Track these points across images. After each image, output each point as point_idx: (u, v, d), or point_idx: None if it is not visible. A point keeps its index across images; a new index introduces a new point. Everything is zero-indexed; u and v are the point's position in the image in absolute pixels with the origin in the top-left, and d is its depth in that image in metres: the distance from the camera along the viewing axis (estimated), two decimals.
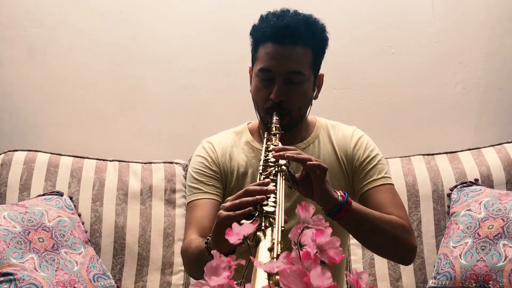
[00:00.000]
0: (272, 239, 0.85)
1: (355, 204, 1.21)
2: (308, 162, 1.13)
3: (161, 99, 2.30)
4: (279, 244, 0.81)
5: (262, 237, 0.88)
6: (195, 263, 1.24)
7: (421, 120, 2.31)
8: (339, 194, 1.19)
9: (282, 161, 1.14)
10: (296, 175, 1.17)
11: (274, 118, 1.32)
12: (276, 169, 1.12)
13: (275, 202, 0.98)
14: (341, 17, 2.28)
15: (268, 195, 1.00)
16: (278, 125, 1.31)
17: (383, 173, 1.41)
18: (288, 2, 2.16)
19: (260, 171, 1.15)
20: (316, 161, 1.15)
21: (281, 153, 1.14)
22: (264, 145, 1.27)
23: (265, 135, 1.32)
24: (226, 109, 2.29)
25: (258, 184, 1.06)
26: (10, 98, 2.27)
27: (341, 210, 1.18)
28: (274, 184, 1.06)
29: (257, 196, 0.99)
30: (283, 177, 1.09)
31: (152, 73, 2.30)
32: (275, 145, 1.24)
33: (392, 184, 1.42)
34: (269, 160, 1.17)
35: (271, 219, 0.93)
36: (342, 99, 2.30)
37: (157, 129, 2.30)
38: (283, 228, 0.88)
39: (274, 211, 0.94)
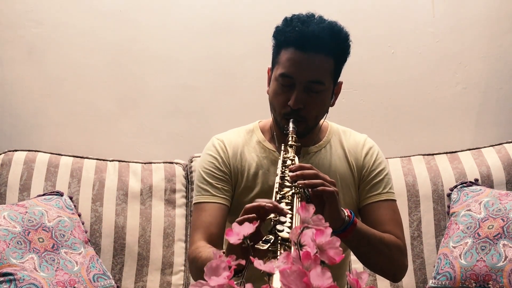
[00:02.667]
0: None
1: (359, 224, 1.24)
2: (316, 189, 1.12)
3: (161, 99, 2.30)
4: None
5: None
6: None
7: (421, 120, 2.30)
8: (346, 213, 1.20)
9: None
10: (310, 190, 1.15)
11: (290, 127, 1.31)
12: (293, 190, 1.11)
13: (290, 227, 0.95)
14: (341, 17, 2.24)
15: (281, 216, 0.98)
16: (294, 135, 1.30)
17: (388, 188, 1.44)
18: (289, 1, 2.18)
19: (276, 189, 1.13)
20: (329, 182, 1.14)
21: (298, 173, 1.13)
22: (281, 158, 1.25)
23: (282, 147, 1.30)
24: (226, 109, 2.29)
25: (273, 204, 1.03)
26: (10, 98, 2.27)
27: (346, 230, 1.19)
28: (290, 207, 1.05)
29: (263, 204, 0.97)
30: (299, 199, 1.08)
31: (152, 73, 2.30)
32: (291, 159, 1.24)
33: (395, 200, 1.45)
34: (285, 178, 1.16)
35: (286, 246, 0.91)
36: (342, 99, 2.28)
37: (157, 129, 2.30)
38: None
39: (289, 238, 0.92)
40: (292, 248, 0.80)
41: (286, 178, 1.16)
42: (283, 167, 1.21)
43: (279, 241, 0.91)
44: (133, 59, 2.30)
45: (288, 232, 0.93)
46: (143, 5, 2.29)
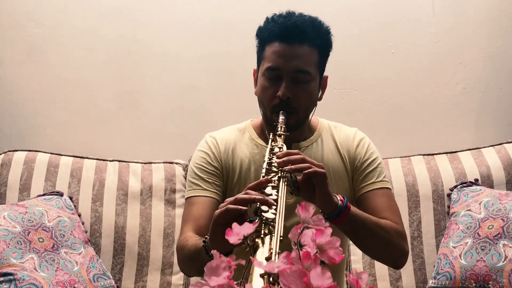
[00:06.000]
0: (270, 249, 0.84)
1: (353, 209, 1.24)
2: (307, 170, 1.13)
3: (161, 99, 2.30)
4: (277, 254, 0.79)
5: (260, 244, 0.87)
6: (191, 261, 1.25)
7: (421, 120, 2.30)
8: (338, 198, 1.21)
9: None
10: (298, 177, 1.16)
11: (280, 118, 1.32)
12: (279, 174, 1.12)
13: (275, 209, 0.97)
14: (341, 17, 2.28)
15: (267, 200, 0.99)
16: (284, 125, 1.31)
17: (382, 176, 1.44)
18: (288, 2, 2.18)
19: (263, 174, 1.15)
20: (317, 166, 1.15)
21: (284, 159, 1.14)
22: (269, 146, 1.27)
23: (270, 136, 1.32)
24: (226, 109, 2.29)
25: (258, 184, 1.07)
26: (10, 98, 2.27)
27: (340, 214, 1.20)
28: (276, 190, 1.06)
29: (255, 196, 1.00)
30: (285, 183, 1.09)
31: (152, 72, 2.30)
32: (279, 147, 1.24)
33: (390, 189, 1.45)
34: (272, 164, 1.17)
35: (270, 226, 0.92)
36: (342, 99, 2.30)
37: (157, 129, 2.30)
38: (281, 238, 0.87)
39: (274, 219, 0.93)
40: (293, 248, 0.81)
41: (273, 164, 1.17)
42: (271, 154, 1.22)
43: (263, 222, 0.92)
44: (133, 59, 2.30)
45: (273, 213, 0.94)
46: (143, 5, 2.29)
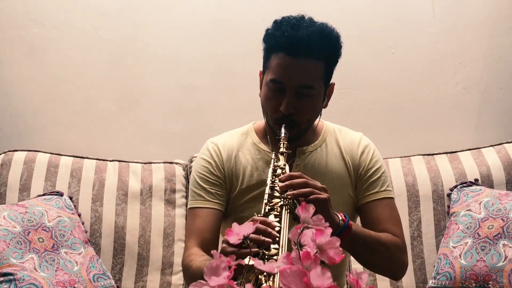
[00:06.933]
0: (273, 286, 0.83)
1: (354, 227, 1.24)
2: (308, 198, 1.12)
3: (161, 99, 2.30)
4: None
5: (263, 281, 0.85)
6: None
7: (421, 120, 2.30)
8: (340, 217, 1.21)
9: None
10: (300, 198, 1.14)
11: (282, 132, 1.31)
12: (281, 202, 1.11)
13: (278, 243, 0.95)
14: (341, 17, 2.27)
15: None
16: (286, 142, 1.29)
17: (385, 186, 1.44)
18: (288, 2, 2.18)
19: (266, 201, 1.13)
20: (319, 189, 1.14)
21: (287, 183, 1.13)
22: (271, 167, 1.25)
23: (273, 155, 1.30)
24: (226, 109, 2.29)
25: (264, 222, 1.02)
26: (10, 98, 2.27)
27: (341, 234, 1.19)
28: (278, 219, 1.05)
29: (264, 238, 0.96)
30: (287, 211, 1.08)
31: (152, 72, 2.30)
32: (282, 167, 1.23)
33: (392, 198, 1.45)
34: (275, 188, 1.16)
35: (274, 260, 0.91)
36: (342, 99, 2.30)
37: (157, 129, 2.30)
38: None
39: (277, 253, 0.92)
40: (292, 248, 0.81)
41: (276, 188, 1.16)
42: (273, 177, 1.21)
43: (266, 257, 0.91)
44: (133, 59, 2.30)
45: (275, 248, 0.93)
46: (143, 5, 2.29)
